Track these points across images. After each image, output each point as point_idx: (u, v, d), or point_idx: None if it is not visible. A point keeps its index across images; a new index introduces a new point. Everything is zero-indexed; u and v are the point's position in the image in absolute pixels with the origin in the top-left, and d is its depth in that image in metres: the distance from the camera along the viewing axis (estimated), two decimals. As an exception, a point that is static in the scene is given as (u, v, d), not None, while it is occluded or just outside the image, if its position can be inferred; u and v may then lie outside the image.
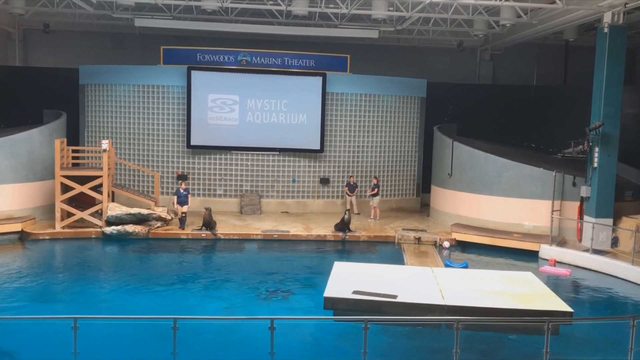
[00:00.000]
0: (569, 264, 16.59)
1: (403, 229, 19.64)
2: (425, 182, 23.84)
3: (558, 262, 16.68)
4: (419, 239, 18.72)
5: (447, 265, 15.95)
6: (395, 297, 10.02)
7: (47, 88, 23.39)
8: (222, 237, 18.71)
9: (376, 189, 21.61)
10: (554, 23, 20.24)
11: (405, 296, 10.12)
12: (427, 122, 23.99)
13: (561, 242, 17.84)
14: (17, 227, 18.08)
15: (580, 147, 17.97)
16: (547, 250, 17.20)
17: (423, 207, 23.81)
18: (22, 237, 18.01)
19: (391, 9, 20.20)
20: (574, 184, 18.53)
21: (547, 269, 16.17)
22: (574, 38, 24.29)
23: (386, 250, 18.25)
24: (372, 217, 21.40)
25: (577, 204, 18.23)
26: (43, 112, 22.37)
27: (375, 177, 22.13)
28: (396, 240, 18.79)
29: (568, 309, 9.73)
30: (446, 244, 18.41)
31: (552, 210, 18.16)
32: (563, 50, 26.11)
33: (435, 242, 18.60)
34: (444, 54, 27.26)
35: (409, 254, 17.37)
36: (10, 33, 25.60)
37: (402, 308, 9.84)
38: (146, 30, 24.71)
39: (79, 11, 22.11)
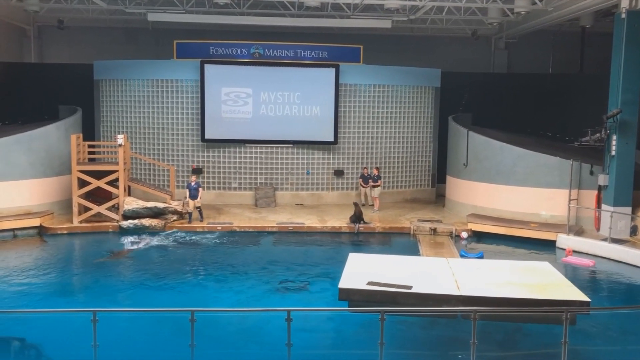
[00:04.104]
0: (587, 254, 16.42)
1: (418, 220, 19.57)
2: (440, 173, 23.70)
3: (576, 251, 16.51)
4: (434, 229, 18.65)
5: (462, 256, 15.88)
6: (410, 287, 10.00)
7: (63, 84, 23.60)
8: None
9: (379, 181, 21.55)
10: (570, 9, 19.94)
11: (421, 287, 10.09)
12: (442, 112, 23.82)
13: (579, 232, 17.67)
14: (35, 222, 18.32)
15: (598, 135, 17.73)
16: (565, 240, 17.05)
17: (438, 198, 23.70)
18: (41, 231, 18.26)
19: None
20: (592, 173, 18.32)
21: (571, 259, 16.00)
22: (591, 24, 23.89)
23: (401, 242, 18.22)
24: (376, 208, 21.30)
25: (595, 192, 18.03)
26: (59, 108, 22.60)
27: (376, 168, 22.03)
28: (411, 232, 18.74)
29: (585, 298, 9.63)
30: (464, 234, 18.31)
31: (570, 200, 17.98)
32: (579, 37, 25.73)
33: (451, 232, 18.51)
34: (458, 43, 27.02)
35: (424, 244, 17.32)
36: (26, 30, 25.85)
37: (417, 299, 9.80)
38: (159, 25, 24.78)
39: (93, 7, 22.25)
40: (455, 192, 21.55)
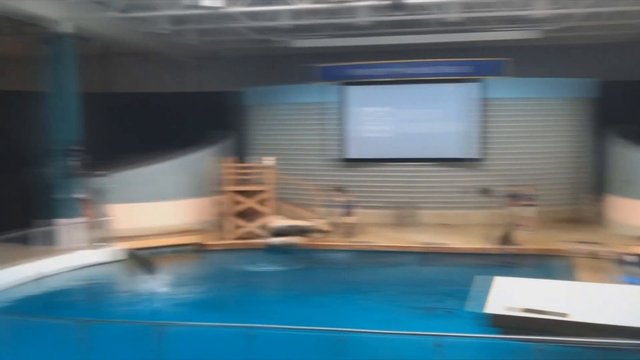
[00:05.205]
0: None
1: (574, 242, 18.11)
2: (599, 191, 21.79)
3: None
4: (593, 252, 17.12)
5: (626, 282, 14.38)
6: (565, 315, 9.23)
7: (216, 110, 25.34)
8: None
9: (532, 200, 20.24)
10: None
11: (578, 315, 9.28)
12: (601, 125, 21.96)
13: None
14: (194, 239, 19.79)
15: None
16: None
17: (597, 218, 21.76)
18: (199, 248, 19.66)
19: (554, 6, 18.84)
20: None
21: None
22: None
23: (554, 265, 16.96)
24: (528, 229, 20.04)
25: None
26: (213, 133, 24.34)
27: (529, 186, 20.70)
28: (567, 254, 17.37)
29: None
30: (628, 258, 16.56)
31: None
32: None
33: (613, 256, 16.85)
34: (619, 48, 24.77)
35: (581, 268, 15.96)
36: (186, 62, 28.31)
37: (576, 328, 9.03)
38: (300, 50, 25.75)
39: (242, 37, 23.75)
40: (617, 211, 19.66)
